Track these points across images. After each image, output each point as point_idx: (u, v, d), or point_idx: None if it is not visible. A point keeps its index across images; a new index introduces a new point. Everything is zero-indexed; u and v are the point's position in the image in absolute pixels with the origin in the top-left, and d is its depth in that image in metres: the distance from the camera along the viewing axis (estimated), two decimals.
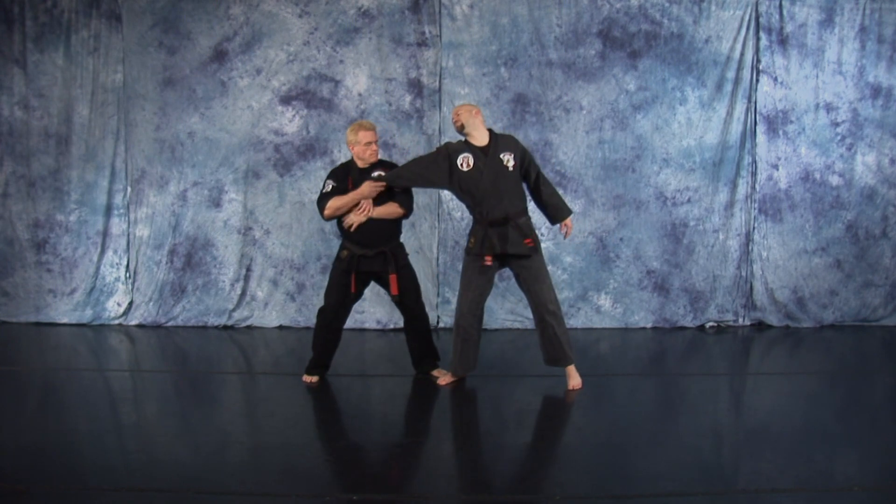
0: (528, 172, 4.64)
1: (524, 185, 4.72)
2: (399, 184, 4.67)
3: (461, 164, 4.55)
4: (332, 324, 4.86)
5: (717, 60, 6.36)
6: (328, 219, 4.78)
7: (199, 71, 6.50)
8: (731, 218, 6.47)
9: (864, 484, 3.29)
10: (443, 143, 6.24)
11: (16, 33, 6.60)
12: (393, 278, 4.70)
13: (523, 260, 4.56)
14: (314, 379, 4.91)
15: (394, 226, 4.81)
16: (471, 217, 4.75)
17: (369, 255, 4.71)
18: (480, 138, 4.61)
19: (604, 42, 6.36)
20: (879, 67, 6.40)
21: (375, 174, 4.69)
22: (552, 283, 4.69)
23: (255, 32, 6.44)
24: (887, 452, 3.70)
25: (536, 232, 4.72)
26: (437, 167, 4.59)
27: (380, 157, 4.85)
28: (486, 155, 4.55)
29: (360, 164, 4.77)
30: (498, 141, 4.62)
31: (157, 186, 6.59)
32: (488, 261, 4.53)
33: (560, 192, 4.96)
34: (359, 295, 4.90)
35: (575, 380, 4.69)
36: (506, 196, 4.54)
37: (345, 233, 4.78)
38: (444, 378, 4.83)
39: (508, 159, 4.56)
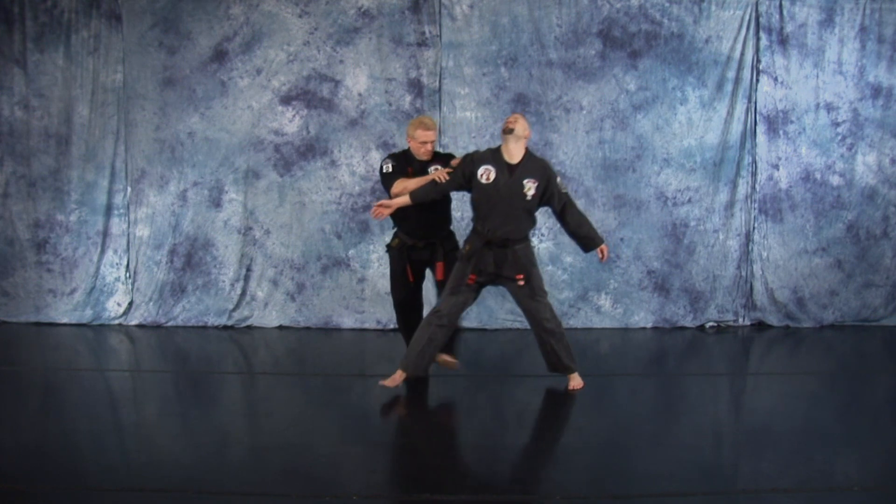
0: (551, 203, 4.53)
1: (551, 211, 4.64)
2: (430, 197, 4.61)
3: (481, 176, 4.46)
4: (409, 316, 4.92)
5: (718, 60, 6.36)
6: (394, 196, 4.68)
7: (199, 71, 6.49)
8: (731, 218, 6.47)
9: (864, 484, 3.29)
10: (444, 143, 6.28)
11: (16, 33, 6.59)
12: (439, 266, 4.72)
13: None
14: None
15: (444, 217, 4.86)
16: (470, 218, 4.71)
17: (420, 246, 4.76)
18: (515, 155, 4.49)
19: (604, 42, 6.36)
20: (880, 67, 6.40)
21: (432, 168, 4.65)
22: (549, 301, 4.60)
23: (255, 32, 6.44)
24: (887, 453, 3.70)
25: (533, 248, 4.69)
26: (461, 177, 4.51)
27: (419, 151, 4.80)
28: (510, 174, 4.45)
29: (418, 156, 4.77)
30: (527, 165, 4.48)
31: (157, 186, 6.58)
32: (471, 280, 4.48)
33: None
34: (420, 279, 4.91)
35: (576, 380, 4.68)
36: (513, 221, 4.45)
37: (397, 223, 4.81)
38: (388, 379, 4.63)
39: (530, 187, 4.43)
